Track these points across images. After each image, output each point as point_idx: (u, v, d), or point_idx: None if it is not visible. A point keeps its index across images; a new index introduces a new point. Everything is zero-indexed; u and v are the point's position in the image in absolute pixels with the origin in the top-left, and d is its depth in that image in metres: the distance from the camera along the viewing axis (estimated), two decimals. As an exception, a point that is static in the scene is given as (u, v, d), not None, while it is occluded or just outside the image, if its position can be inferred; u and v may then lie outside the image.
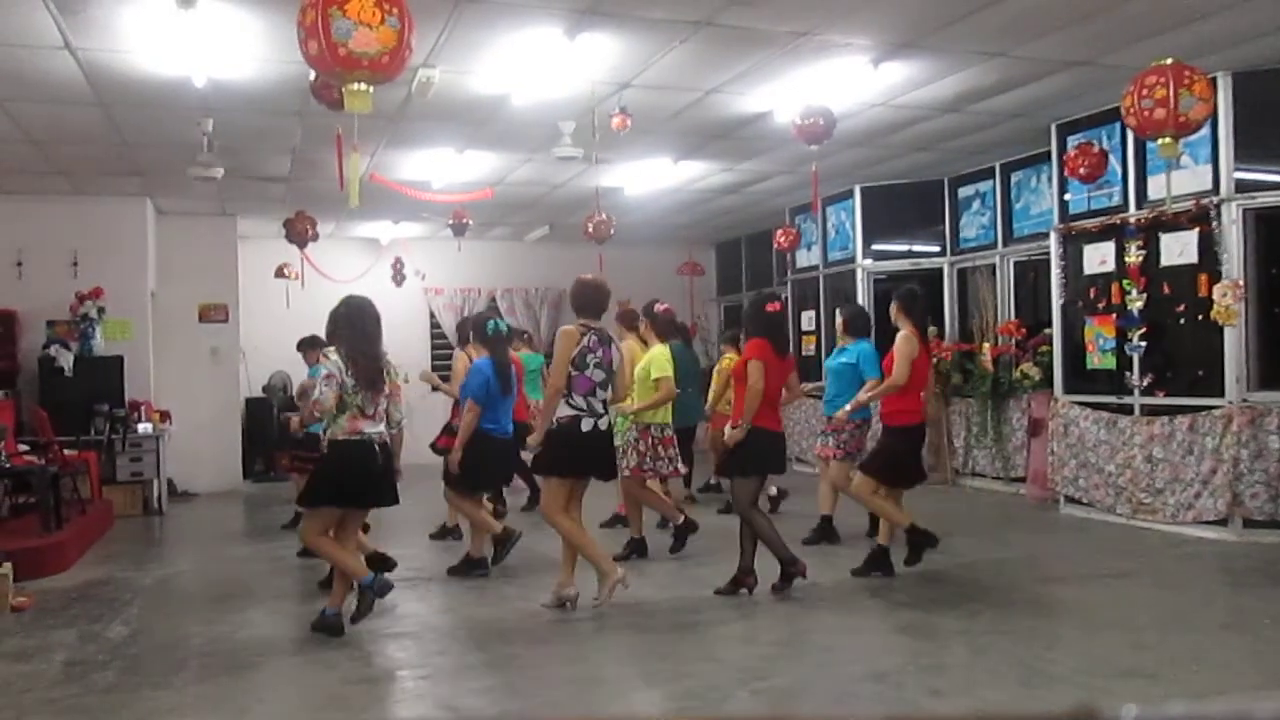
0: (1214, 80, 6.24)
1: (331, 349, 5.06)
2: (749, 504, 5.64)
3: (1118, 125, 7.45)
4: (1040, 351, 8.86)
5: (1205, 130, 6.18)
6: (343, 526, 5.16)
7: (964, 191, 10.22)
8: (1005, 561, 6.50)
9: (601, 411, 5.35)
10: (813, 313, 11.68)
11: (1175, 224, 7.19)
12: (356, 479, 4.96)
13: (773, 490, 8.32)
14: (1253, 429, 6.78)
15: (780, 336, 5.78)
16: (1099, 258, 7.91)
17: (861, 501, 6.22)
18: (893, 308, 6.19)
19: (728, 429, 5.64)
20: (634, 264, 13.66)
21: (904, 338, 5.96)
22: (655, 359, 6.84)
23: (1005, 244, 9.68)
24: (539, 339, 13.58)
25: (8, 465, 7.48)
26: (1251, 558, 6.37)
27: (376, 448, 4.95)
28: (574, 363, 5.25)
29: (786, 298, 12.88)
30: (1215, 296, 6.84)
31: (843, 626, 5.13)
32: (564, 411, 5.29)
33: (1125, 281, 7.61)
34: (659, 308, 7.59)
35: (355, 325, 5.03)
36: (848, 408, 6.69)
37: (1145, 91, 5.29)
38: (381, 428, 5.02)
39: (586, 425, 5.28)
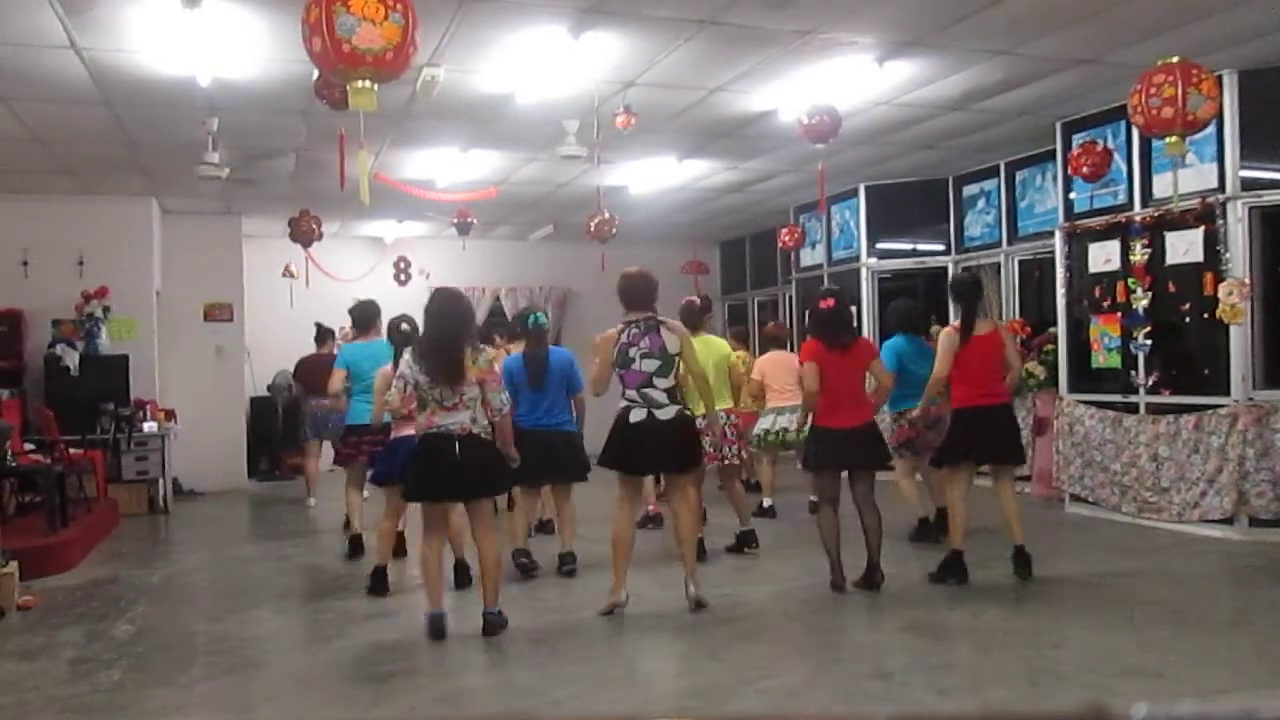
0: (1220, 78, 6.22)
1: (409, 348, 5.17)
2: (821, 500, 5.75)
3: (1123, 123, 7.43)
4: (1045, 350, 8.84)
5: (1211, 128, 6.16)
6: (471, 519, 5.14)
7: (969, 190, 10.21)
8: (1010, 560, 6.48)
9: (662, 401, 5.21)
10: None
11: (1180, 222, 7.18)
12: (432, 471, 4.94)
13: (767, 502, 8.35)
14: (1259, 427, 6.77)
15: (829, 333, 5.72)
16: (1104, 256, 7.89)
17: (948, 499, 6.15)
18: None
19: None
20: (638, 263, 13.45)
21: (943, 333, 6.01)
22: None
23: (1010, 242, 9.66)
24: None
25: (14, 464, 7.49)
26: (1257, 556, 6.36)
27: (455, 440, 4.89)
28: (616, 361, 5.25)
29: (790, 297, 12.92)
30: (1221, 295, 6.83)
31: (847, 625, 5.13)
32: (618, 404, 5.32)
33: (1130, 280, 7.60)
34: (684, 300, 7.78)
35: (431, 320, 5.06)
36: (884, 410, 6.77)
37: (1153, 90, 5.26)
38: (464, 417, 4.93)
39: (636, 416, 5.21)
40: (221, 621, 5.48)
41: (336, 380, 6.95)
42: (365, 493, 7.46)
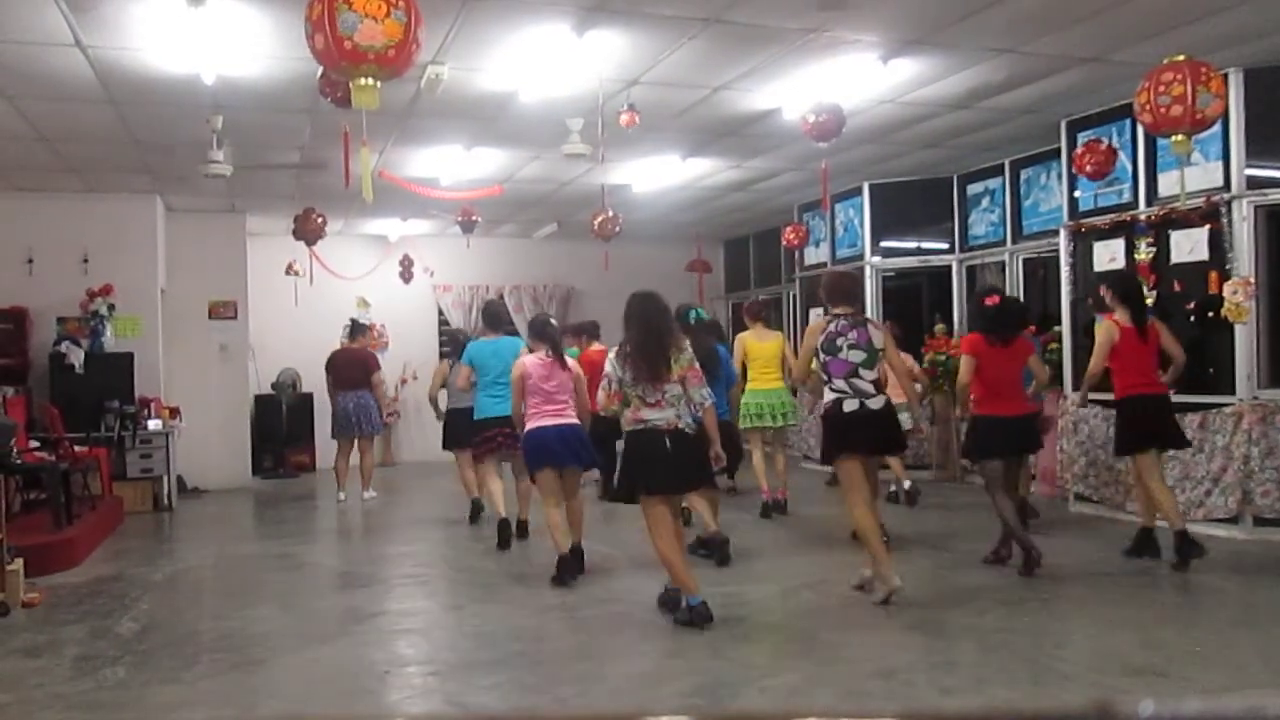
0: (1226, 77, 6.20)
1: (614, 348, 5.37)
2: (989, 485, 6.15)
3: (1128, 122, 7.42)
4: (1049, 349, 8.82)
5: (1216, 127, 6.14)
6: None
7: (973, 188, 10.19)
8: (1014, 559, 6.48)
9: (871, 391, 5.41)
10: (821, 310, 11.64)
11: (1185, 221, 7.16)
12: (643, 465, 5.12)
13: (906, 484, 8.61)
14: (1263, 426, 6.75)
15: (993, 329, 6.07)
16: (1109, 255, 7.87)
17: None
18: (1104, 291, 6.39)
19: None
20: (642, 261, 13.62)
21: (1102, 329, 6.25)
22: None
23: (1014, 241, 9.64)
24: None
25: (19, 462, 7.49)
26: (1262, 555, 6.34)
27: (664, 434, 5.08)
28: (823, 348, 5.46)
29: (794, 295, 12.91)
30: (1226, 294, 6.81)
31: (851, 623, 5.12)
32: (827, 397, 5.50)
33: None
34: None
35: (632, 323, 5.26)
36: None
37: (1162, 88, 5.24)
38: (669, 414, 5.09)
39: (849, 406, 5.41)
40: (225, 619, 5.49)
41: (463, 377, 7.55)
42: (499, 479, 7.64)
